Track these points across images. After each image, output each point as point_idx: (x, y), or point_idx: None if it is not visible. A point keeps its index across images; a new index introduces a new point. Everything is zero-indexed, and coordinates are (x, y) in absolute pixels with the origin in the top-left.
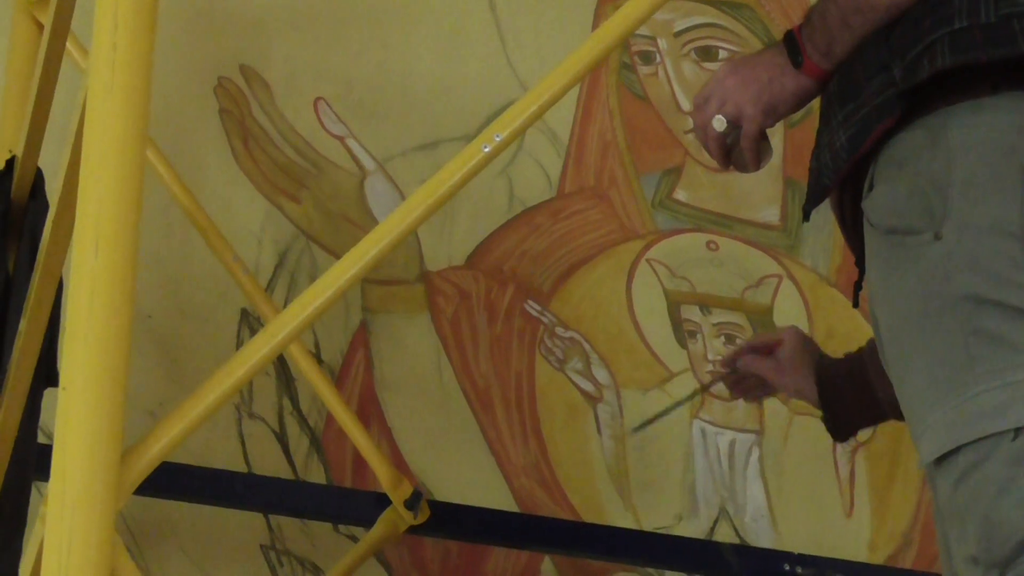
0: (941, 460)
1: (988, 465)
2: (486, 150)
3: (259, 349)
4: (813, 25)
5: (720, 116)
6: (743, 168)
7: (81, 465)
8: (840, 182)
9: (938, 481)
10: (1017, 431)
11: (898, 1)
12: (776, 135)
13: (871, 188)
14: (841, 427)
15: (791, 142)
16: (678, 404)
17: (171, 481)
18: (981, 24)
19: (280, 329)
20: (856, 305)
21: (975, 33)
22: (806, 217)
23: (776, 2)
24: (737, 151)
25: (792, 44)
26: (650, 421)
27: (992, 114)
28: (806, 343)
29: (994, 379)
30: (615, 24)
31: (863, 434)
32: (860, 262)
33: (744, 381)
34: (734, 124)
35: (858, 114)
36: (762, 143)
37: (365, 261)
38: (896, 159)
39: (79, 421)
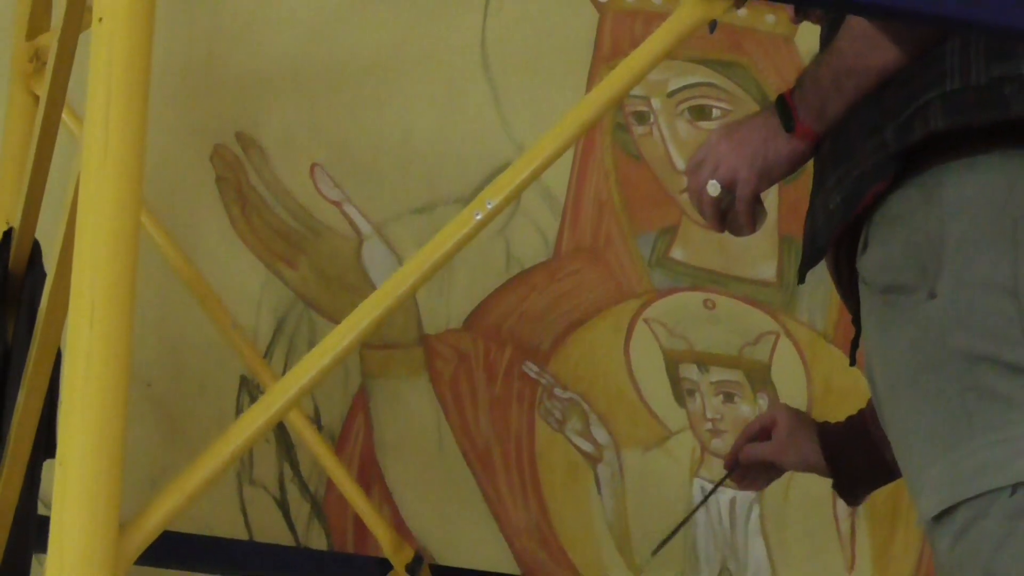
0: (940, 517)
1: (986, 521)
2: (478, 217)
3: (258, 417)
4: (805, 88)
5: (714, 181)
6: (739, 232)
7: (78, 539)
8: (835, 243)
9: (937, 538)
10: (1015, 487)
11: (890, 63)
12: (770, 192)
13: (865, 247)
14: (853, 491)
15: (785, 199)
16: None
17: (171, 550)
18: (973, 86)
19: (279, 397)
20: (853, 363)
21: (967, 95)
22: (801, 279)
23: (769, 61)
24: (732, 215)
25: (784, 108)
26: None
27: (985, 173)
28: (799, 416)
29: (991, 435)
30: (607, 88)
31: None
32: (856, 320)
33: (751, 472)
34: (728, 189)
35: (851, 176)
36: (757, 206)
37: (362, 328)
38: (890, 218)
39: (76, 496)
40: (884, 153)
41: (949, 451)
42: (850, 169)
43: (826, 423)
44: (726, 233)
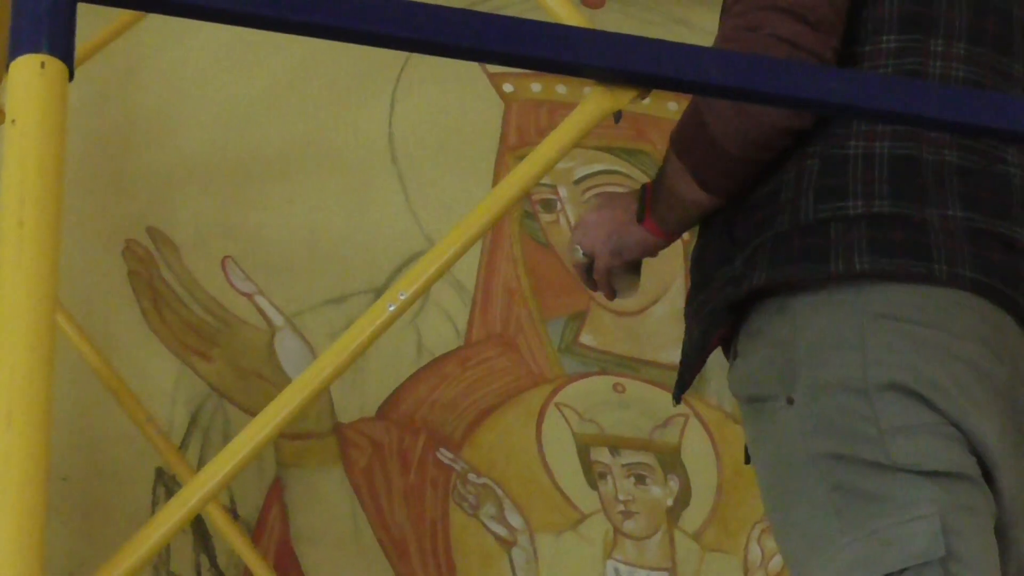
0: None
1: None
2: (391, 309)
3: (175, 512)
4: (656, 191)
5: (577, 246)
6: (611, 296)
7: None
8: (697, 373)
9: None
10: None
11: (700, 201)
12: (677, 277)
13: (734, 359)
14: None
15: None
16: None
17: None
18: (800, 225)
19: (196, 491)
20: (748, 461)
21: (792, 241)
22: (677, 401)
23: None
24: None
25: (642, 198)
26: None
27: (834, 281)
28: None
29: (858, 530)
30: (515, 180)
31: (773, 567)
32: None
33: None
34: (589, 257)
35: (705, 308)
36: (624, 276)
37: (277, 421)
38: (751, 331)
39: None
40: (731, 290)
41: (824, 549)
42: (705, 300)
43: None
44: (635, 318)
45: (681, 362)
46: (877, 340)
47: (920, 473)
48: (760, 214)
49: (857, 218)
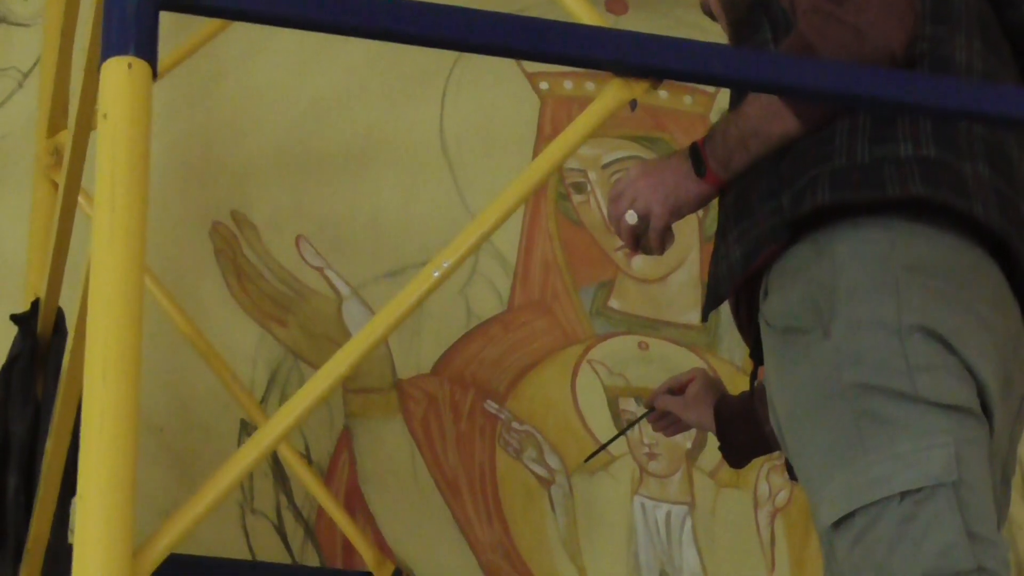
0: (839, 523)
1: (880, 524)
2: (436, 275)
3: (253, 450)
4: (715, 141)
5: (632, 211)
6: (649, 252)
7: (97, 563)
8: (735, 291)
9: (836, 542)
10: (903, 495)
11: (790, 131)
12: (693, 248)
13: (767, 294)
14: (735, 456)
15: (707, 253)
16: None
17: (183, 571)
18: (857, 164)
19: (270, 432)
20: (753, 392)
21: (851, 173)
22: (704, 319)
23: (687, 136)
24: (645, 240)
25: (696, 156)
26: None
27: (869, 231)
28: (711, 383)
29: (881, 452)
30: (545, 160)
31: (780, 500)
32: (753, 353)
33: (664, 418)
34: (643, 219)
35: (750, 233)
36: (667, 233)
37: (341, 371)
38: (788, 270)
39: (94, 526)
40: (779, 218)
41: (846, 467)
42: (749, 227)
43: (726, 395)
44: (656, 285)
45: (709, 286)
46: (909, 290)
47: (940, 406)
48: (813, 155)
49: (908, 159)
